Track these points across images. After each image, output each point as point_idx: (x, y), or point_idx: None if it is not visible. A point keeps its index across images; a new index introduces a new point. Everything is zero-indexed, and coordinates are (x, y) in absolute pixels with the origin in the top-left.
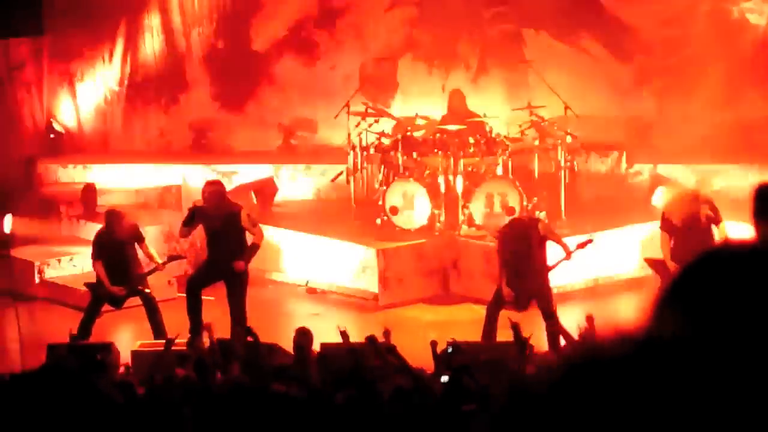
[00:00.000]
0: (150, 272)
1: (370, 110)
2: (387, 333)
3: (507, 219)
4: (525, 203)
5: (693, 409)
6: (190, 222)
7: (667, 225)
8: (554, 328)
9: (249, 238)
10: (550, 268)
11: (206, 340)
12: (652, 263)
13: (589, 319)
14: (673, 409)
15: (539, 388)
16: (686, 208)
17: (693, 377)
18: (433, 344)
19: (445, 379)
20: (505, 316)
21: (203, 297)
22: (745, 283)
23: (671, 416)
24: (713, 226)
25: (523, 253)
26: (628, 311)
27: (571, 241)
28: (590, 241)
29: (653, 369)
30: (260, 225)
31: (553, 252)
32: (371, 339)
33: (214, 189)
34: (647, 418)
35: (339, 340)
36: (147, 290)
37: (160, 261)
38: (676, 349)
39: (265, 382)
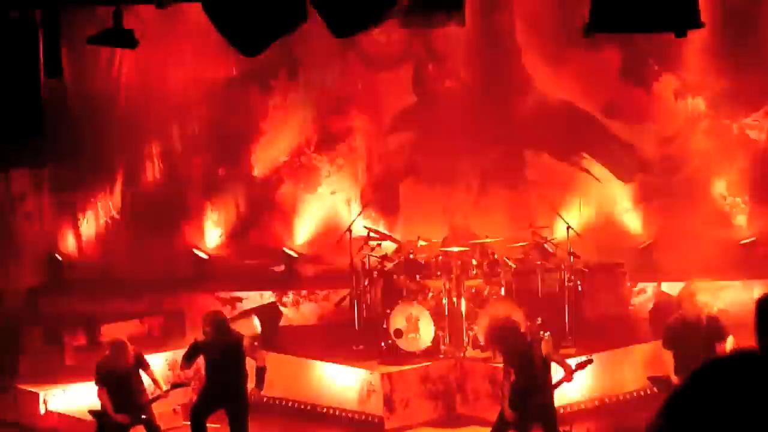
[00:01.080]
0: (154, 400)
1: (372, 234)
2: None
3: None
4: (529, 324)
5: None
6: (190, 357)
7: (668, 340)
8: None
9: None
10: (552, 389)
11: None
12: (655, 380)
13: None
14: None
15: None
16: (685, 308)
17: None
18: None
19: None
20: None
21: (209, 425)
22: (750, 389)
23: None
24: (717, 343)
25: (527, 373)
26: (635, 427)
27: (573, 362)
28: (590, 361)
29: None
30: (262, 351)
31: (555, 372)
32: None
33: (214, 321)
34: None
35: None
36: (152, 419)
37: (164, 388)
38: None
39: None
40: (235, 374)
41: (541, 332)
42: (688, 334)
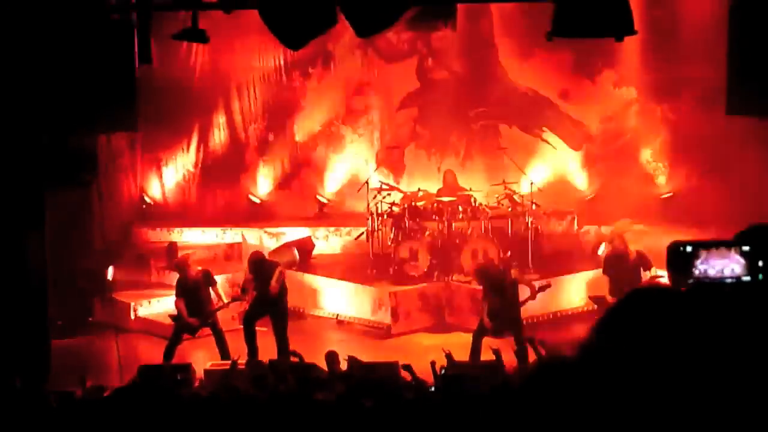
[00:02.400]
0: (218, 309)
1: (384, 186)
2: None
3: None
4: (501, 256)
5: (619, 399)
6: (245, 291)
7: (606, 269)
8: (523, 350)
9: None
10: (520, 305)
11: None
12: (595, 299)
13: (541, 342)
14: (608, 399)
15: (516, 384)
16: (614, 245)
17: (623, 375)
18: (432, 363)
19: (433, 388)
20: (487, 342)
21: (258, 328)
22: (659, 311)
23: (606, 404)
24: (644, 272)
25: (500, 293)
26: (579, 335)
27: (535, 284)
28: (549, 285)
29: (595, 369)
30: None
31: (521, 293)
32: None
33: (254, 261)
34: (592, 403)
35: (362, 359)
36: (216, 323)
37: (225, 300)
38: (611, 356)
39: (310, 392)
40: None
41: (511, 262)
42: (620, 264)
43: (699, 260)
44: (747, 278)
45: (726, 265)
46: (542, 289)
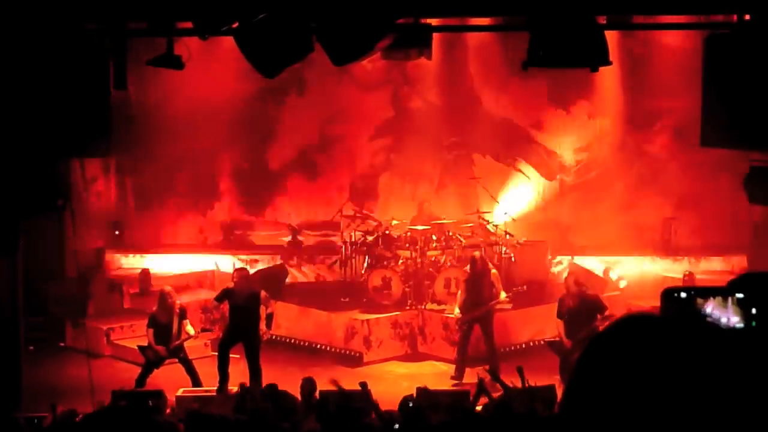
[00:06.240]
0: (184, 340)
1: (357, 214)
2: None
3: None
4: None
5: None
6: (221, 299)
7: (559, 312)
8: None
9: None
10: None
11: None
12: (551, 344)
13: (520, 370)
14: None
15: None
16: (571, 302)
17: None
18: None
19: (396, 426)
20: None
21: (231, 355)
22: (654, 339)
23: None
24: (598, 315)
25: (476, 290)
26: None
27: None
28: (522, 288)
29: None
30: (272, 301)
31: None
32: (363, 384)
33: (243, 274)
34: None
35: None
36: (185, 354)
37: (192, 333)
38: (600, 389)
39: (277, 421)
40: (252, 317)
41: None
42: (573, 308)
43: (693, 306)
44: (740, 325)
45: (720, 312)
46: (516, 292)
